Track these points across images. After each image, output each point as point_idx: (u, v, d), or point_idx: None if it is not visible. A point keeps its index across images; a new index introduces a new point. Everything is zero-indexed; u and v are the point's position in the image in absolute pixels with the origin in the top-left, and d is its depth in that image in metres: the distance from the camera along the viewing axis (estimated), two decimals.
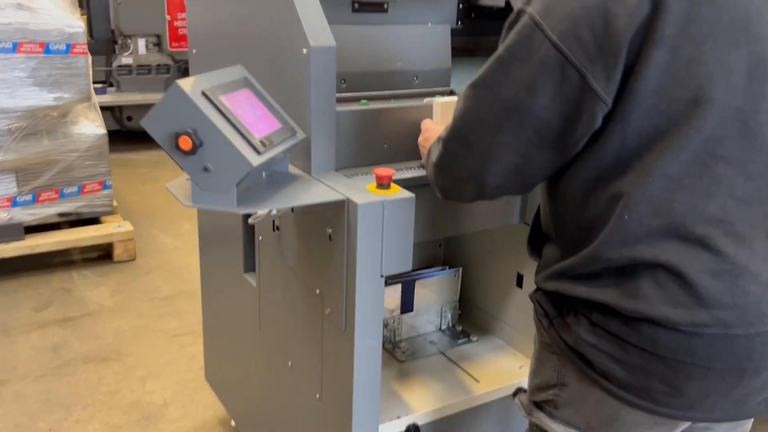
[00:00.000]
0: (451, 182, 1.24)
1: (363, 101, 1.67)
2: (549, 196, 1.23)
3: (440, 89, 1.87)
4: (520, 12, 1.08)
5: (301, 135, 1.43)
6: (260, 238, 1.77)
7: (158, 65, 5.95)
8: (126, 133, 5.90)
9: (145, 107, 5.96)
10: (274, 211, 1.56)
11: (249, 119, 1.30)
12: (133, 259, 3.71)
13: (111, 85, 5.85)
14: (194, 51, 2.02)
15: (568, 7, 1.02)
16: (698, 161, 1.03)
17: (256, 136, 1.28)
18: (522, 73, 1.06)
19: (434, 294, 2.02)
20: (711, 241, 1.03)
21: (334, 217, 1.38)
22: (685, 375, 1.06)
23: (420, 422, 1.64)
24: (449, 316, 2.06)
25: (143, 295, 3.34)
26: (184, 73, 6.09)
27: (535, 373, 1.30)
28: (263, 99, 1.41)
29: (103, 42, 5.64)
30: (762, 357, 1.06)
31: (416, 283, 1.96)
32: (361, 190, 1.36)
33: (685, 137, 1.02)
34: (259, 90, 1.42)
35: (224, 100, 1.27)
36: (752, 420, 1.30)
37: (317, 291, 1.49)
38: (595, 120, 1.05)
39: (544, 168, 1.14)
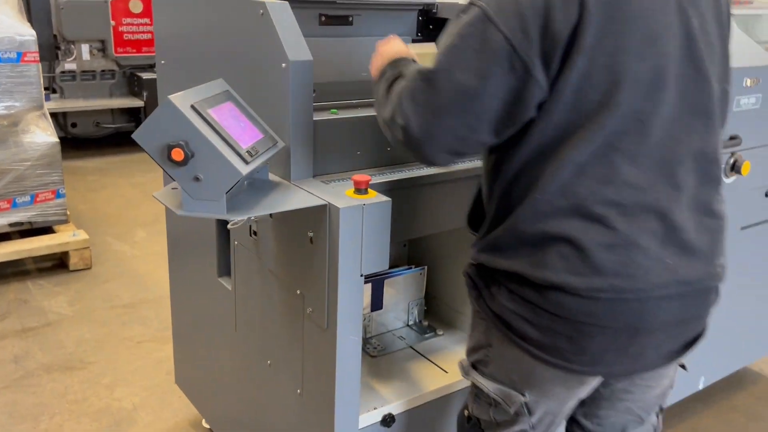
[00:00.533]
0: (392, 138, 1.35)
1: (333, 110, 1.76)
2: (487, 178, 1.38)
3: None
4: (472, 4, 1.22)
5: (281, 144, 1.51)
6: (236, 243, 1.84)
7: (103, 71, 5.88)
8: (70, 140, 5.81)
9: (90, 114, 5.89)
10: (253, 217, 1.63)
11: (235, 130, 1.38)
12: (89, 268, 3.69)
13: (54, 91, 5.74)
14: (162, 62, 2.06)
15: (520, 7, 1.16)
16: (601, 153, 1.20)
17: (243, 146, 1.36)
18: (474, 61, 1.18)
19: (401, 292, 2.12)
20: (607, 220, 1.20)
21: (315, 221, 1.46)
22: (586, 334, 1.24)
23: (395, 412, 1.74)
24: (416, 312, 2.17)
25: (103, 303, 3.33)
26: (130, 78, 6.03)
27: (470, 337, 1.48)
28: (245, 111, 1.49)
29: (45, 48, 5.52)
30: (653, 318, 1.24)
31: (385, 282, 2.06)
32: (341, 196, 1.45)
33: (593, 132, 1.19)
34: (240, 102, 1.50)
35: (212, 113, 1.35)
36: (671, 376, 1.51)
37: (298, 291, 1.58)
38: (530, 108, 1.20)
39: (473, 150, 1.31)
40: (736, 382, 2.85)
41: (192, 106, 1.31)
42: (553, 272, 1.21)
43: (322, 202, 1.42)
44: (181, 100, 1.30)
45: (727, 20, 1.36)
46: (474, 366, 1.46)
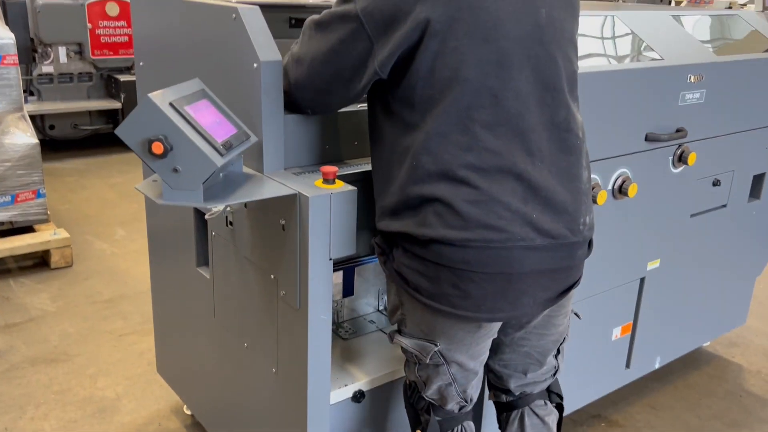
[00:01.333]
0: (287, 83, 1.61)
1: None
2: (372, 152, 1.58)
3: None
4: None
5: (254, 138, 1.62)
6: (213, 233, 1.95)
7: (80, 73, 5.93)
8: (49, 142, 5.85)
9: (68, 116, 5.94)
10: (229, 208, 1.74)
11: (210, 126, 1.49)
12: (70, 266, 3.76)
13: (32, 94, 5.78)
14: (141, 64, 2.16)
15: (378, 2, 1.40)
16: (461, 123, 1.39)
17: (218, 140, 1.47)
18: (339, 29, 1.46)
19: (372, 279, 2.24)
20: (470, 181, 1.39)
21: (287, 210, 1.58)
22: (466, 279, 1.42)
23: (365, 388, 1.86)
24: (386, 298, 2.28)
25: (85, 299, 3.42)
26: (107, 81, 6.09)
27: (388, 302, 1.66)
28: (220, 108, 1.60)
29: (22, 51, 5.56)
30: (520, 265, 1.43)
31: (356, 269, 2.17)
32: (310, 186, 1.57)
33: (449, 105, 1.39)
34: (215, 100, 1.61)
35: (189, 110, 1.46)
36: (564, 324, 1.69)
37: (272, 276, 1.69)
38: (370, 75, 1.44)
39: (336, 105, 1.61)
40: (691, 361, 3.01)
41: (170, 104, 1.42)
42: (432, 229, 1.40)
43: (293, 192, 1.54)
44: (160, 97, 1.41)
45: (577, 10, 1.57)
46: (398, 330, 1.63)
